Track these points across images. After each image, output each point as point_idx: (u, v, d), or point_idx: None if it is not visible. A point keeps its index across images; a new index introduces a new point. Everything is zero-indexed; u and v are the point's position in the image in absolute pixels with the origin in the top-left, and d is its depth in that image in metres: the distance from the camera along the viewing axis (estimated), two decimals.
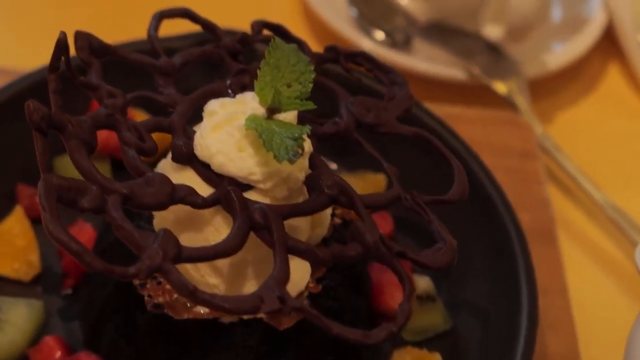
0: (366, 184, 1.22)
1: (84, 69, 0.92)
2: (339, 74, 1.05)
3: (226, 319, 0.91)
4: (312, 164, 0.89)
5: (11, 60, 1.45)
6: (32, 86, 1.20)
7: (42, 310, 1.08)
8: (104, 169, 1.18)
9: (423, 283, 1.12)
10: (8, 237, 1.12)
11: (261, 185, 0.85)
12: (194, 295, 0.73)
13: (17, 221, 1.14)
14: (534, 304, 1.05)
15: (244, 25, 1.10)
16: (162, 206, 0.81)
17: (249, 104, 0.87)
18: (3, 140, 1.18)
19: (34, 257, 1.13)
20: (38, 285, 1.12)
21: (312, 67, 0.88)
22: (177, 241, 0.75)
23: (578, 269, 1.30)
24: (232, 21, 1.17)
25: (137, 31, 1.19)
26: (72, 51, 0.88)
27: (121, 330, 0.99)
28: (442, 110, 1.29)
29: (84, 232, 1.10)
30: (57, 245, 1.04)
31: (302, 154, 0.81)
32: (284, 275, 0.77)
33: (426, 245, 0.88)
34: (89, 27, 0.95)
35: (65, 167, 1.07)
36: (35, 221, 1.16)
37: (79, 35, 0.92)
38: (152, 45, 0.98)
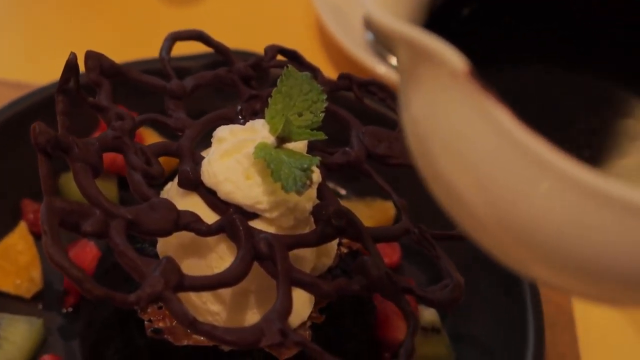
0: (375, 211, 1.22)
1: (92, 87, 0.91)
2: (352, 101, 1.04)
3: (226, 346, 0.90)
4: (320, 194, 0.88)
5: (20, 74, 1.45)
6: (39, 103, 1.20)
7: (42, 328, 1.07)
8: (110, 188, 1.18)
9: (428, 314, 1.11)
10: (11, 253, 1.12)
11: (267, 215, 0.83)
12: (194, 325, 0.71)
13: (20, 237, 1.14)
14: (540, 339, 1.04)
15: (258, 49, 1.09)
16: (167, 233, 0.79)
17: (259, 132, 0.86)
18: (10, 155, 1.18)
19: (36, 274, 1.12)
20: (39, 302, 1.12)
21: (325, 97, 0.87)
22: (179, 269, 0.74)
23: (585, 303, 1.29)
24: (247, 44, 1.16)
25: (147, 49, 1.18)
26: (81, 69, 0.87)
27: (121, 353, 0.98)
28: None
29: (87, 252, 1.09)
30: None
31: (310, 186, 0.80)
32: (286, 307, 0.76)
33: (434, 276, 0.87)
34: (99, 43, 0.95)
35: (70, 184, 1.06)
36: (38, 237, 1.16)
37: (90, 56, 0.91)
38: (164, 68, 0.96)
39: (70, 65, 0.84)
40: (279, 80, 0.86)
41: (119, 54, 0.94)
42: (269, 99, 0.86)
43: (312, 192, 0.86)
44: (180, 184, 0.86)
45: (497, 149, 0.49)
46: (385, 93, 1.03)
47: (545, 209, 0.48)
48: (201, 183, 0.85)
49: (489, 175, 0.50)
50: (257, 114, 0.94)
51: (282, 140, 0.84)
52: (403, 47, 0.53)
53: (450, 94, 0.50)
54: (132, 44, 1.54)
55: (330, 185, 1.22)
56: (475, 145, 0.50)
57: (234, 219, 0.81)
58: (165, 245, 0.90)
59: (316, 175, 0.84)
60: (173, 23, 1.60)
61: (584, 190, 0.46)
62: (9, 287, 1.10)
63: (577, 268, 0.49)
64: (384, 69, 1.51)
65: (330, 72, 1.04)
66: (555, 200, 0.47)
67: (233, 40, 1.05)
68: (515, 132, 0.47)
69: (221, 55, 1.02)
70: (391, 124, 1.01)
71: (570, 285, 0.53)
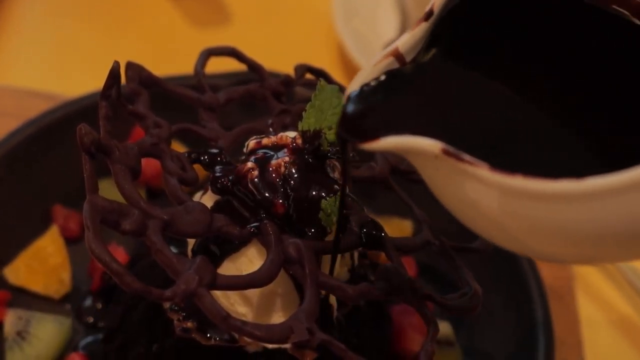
0: (392, 228, 1.25)
1: (131, 97, 0.95)
2: None
3: (251, 348, 0.94)
4: (346, 205, 0.91)
5: (50, 85, 1.50)
6: (71, 114, 1.24)
7: (70, 328, 1.11)
8: None
9: (443, 328, 1.14)
10: (42, 255, 1.16)
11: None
12: (227, 321, 0.75)
13: (52, 240, 1.18)
14: (550, 356, 1.07)
15: (280, 70, 1.14)
16: (200, 234, 0.83)
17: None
18: (43, 162, 1.22)
19: (66, 276, 1.16)
20: (67, 303, 1.16)
21: None
22: (212, 268, 0.77)
23: (593, 325, 1.32)
24: (269, 66, 1.20)
25: (175, 68, 1.23)
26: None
27: (147, 353, 1.01)
28: None
29: (117, 255, 1.12)
30: (88, 265, 1.09)
31: None
32: (314, 308, 0.79)
33: (448, 292, 0.90)
34: (131, 58, 0.98)
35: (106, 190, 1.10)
36: (69, 241, 1.20)
37: (130, 66, 0.95)
38: (199, 81, 1.01)
39: (114, 74, 0.87)
40: (313, 95, 0.89)
41: (149, 68, 0.98)
42: (303, 113, 0.89)
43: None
44: (213, 190, 0.90)
45: (482, 191, 0.63)
46: None
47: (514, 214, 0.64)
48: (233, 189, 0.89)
49: (486, 208, 0.65)
50: (287, 128, 0.98)
51: None
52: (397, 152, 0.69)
53: (441, 168, 0.65)
54: (159, 63, 1.58)
55: None
56: (471, 195, 0.65)
57: (264, 224, 0.85)
58: None
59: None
60: (200, 44, 1.65)
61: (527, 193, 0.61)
62: (38, 288, 1.14)
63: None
64: None
65: None
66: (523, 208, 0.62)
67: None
68: (486, 176, 0.62)
69: (253, 71, 1.06)
70: None
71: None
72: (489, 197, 0.63)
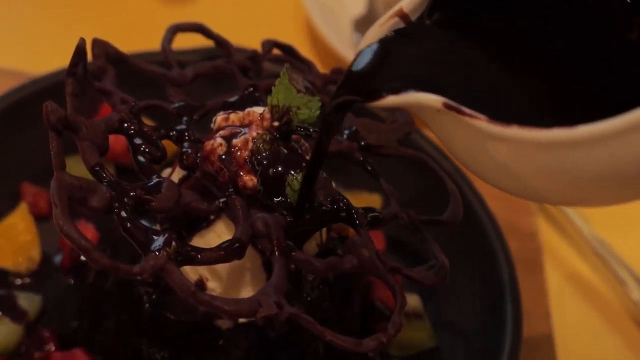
0: (361, 202, 1.24)
1: (98, 73, 0.95)
2: None
3: (224, 324, 0.94)
4: (314, 180, 0.91)
5: (17, 62, 1.49)
6: (42, 90, 1.23)
7: (40, 304, 1.11)
8: None
9: (412, 300, 1.15)
10: (12, 233, 1.16)
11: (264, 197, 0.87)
12: (195, 296, 0.75)
13: (21, 218, 1.18)
14: (518, 327, 1.08)
15: (248, 46, 1.14)
16: (169, 210, 0.83)
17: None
18: (11, 139, 1.22)
19: (35, 252, 1.17)
20: (37, 279, 1.16)
21: (318, 98, 0.91)
22: (181, 243, 0.77)
23: (561, 297, 1.34)
24: (237, 42, 1.20)
25: (141, 44, 1.22)
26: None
27: (118, 329, 1.02)
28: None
29: (86, 232, 1.12)
30: (58, 242, 1.09)
31: None
32: (282, 282, 0.80)
33: (415, 265, 0.91)
34: (98, 35, 0.98)
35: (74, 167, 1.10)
36: (38, 218, 1.20)
37: (97, 43, 0.95)
38: (166, 57, 1.01)
39: (80, 50, 0.87)
40: (281, 73, 0.89)
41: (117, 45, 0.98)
42: (272, 88, 0.89)
43: None
44: (181, 165, 0.90)
45: (480, 139, 0.67)
46: None
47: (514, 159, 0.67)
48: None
49: (490, 153, 0.68)
50: (255, 103, 0.98)
51: None
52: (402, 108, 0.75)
53: (444, 121, 0.69)
54: (126, 40, 1.57)
55: None
56: (471, 143, 0.69)
57: (232, 200, 0.85)
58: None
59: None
60: (166, 20, 1.64)
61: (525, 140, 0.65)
62: (8, 265, 1.15)
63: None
64: None
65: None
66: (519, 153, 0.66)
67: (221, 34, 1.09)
68: (485, 127, 0.66)
69: (220, 47, 1.06)
70: (381, 117, 1.06)
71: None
72: (489, 146, 0.67)
